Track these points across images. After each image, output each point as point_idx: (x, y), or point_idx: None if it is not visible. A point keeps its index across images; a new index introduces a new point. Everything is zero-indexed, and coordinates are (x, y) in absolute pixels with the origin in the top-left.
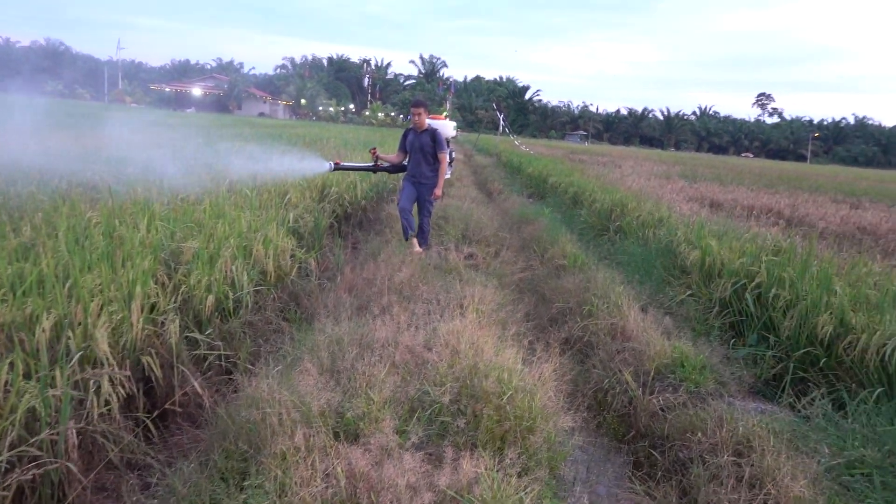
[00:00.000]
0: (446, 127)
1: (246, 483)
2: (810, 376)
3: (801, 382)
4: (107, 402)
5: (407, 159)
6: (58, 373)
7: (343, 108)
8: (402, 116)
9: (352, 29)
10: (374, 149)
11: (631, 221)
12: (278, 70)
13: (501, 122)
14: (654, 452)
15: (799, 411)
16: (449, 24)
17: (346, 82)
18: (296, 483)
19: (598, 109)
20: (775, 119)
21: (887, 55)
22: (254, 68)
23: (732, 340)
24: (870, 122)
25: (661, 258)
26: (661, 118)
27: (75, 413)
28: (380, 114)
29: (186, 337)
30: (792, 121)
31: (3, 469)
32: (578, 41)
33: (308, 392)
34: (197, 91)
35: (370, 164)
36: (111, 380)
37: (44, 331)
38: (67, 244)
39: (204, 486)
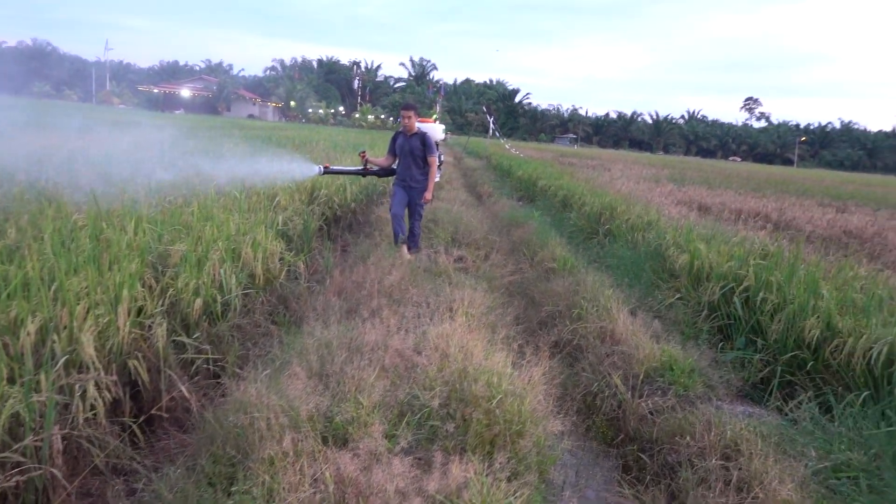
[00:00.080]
0: (435, 130)
1: (233, 488)
2: (797, 380)
3: (788, 386)
4: (92, 407)
5: (396, 163)
6: (42, 377)
7: (333, 111)
8: (391, 119)
9: (342, 31)
10: (364, 152)
11: (620, 225)
12: (268, 72)
13: (491, 124)
14: (643, 456)
15: (786, 415)
16: (439, 26)
17: (336, 84)
18: (284, 488)
19: (587, 113)
20: (763, 123)
21: (872, 60)
22: (243, 70)
23: (721, 344)
24: (855, 126)
25: (650, 262)
26: (650, 122)
27: (60, 418)
28: (370, 116)
29: (174, 341)
30: (779, 125)
31: None
32: (568, 45)
33: (297, 396)
34: (185, 92)
35: (359, 168)
36: (97, 384)
37: (28, 334)
38: (53, 247)
39: (191, 492)
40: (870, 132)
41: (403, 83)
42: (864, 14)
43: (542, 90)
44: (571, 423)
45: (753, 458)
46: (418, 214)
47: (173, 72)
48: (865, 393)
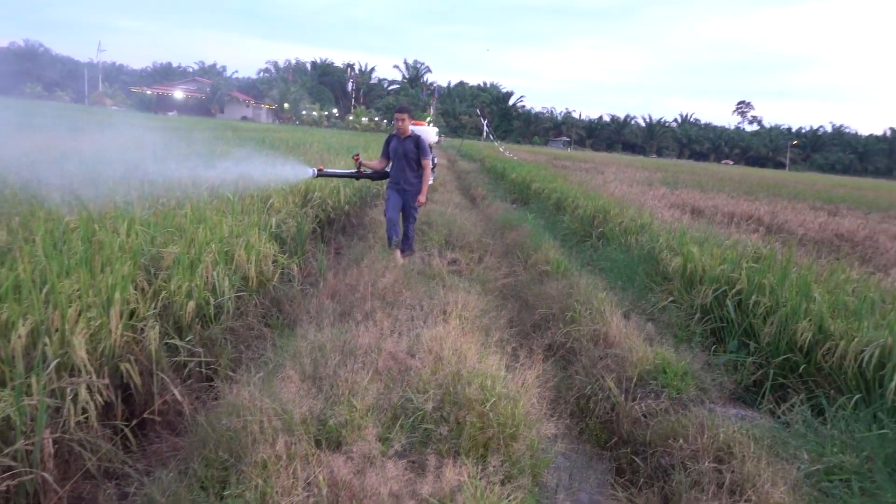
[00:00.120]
0: (428, 133)
1: (226, 492)
2: (790, 382)
3: (780, 388)
4: (84, 411)
5: (390, 166)
6: (34, 380)
7: (326, 113)
8: (385, 121)
9: (336, 33)
10: (357, 155)
11: (613, 228)
12: (261, 74)
13: (485, 127)
14: (636, 459)
15: (779, 417)
16: (433, 29)
17: (330, 87)
18: (277, 492)
19: (580, 116)
20: (755, 127)
21: (864, 65)
22: (237, 72)
23: (713, 347)
24: (847, 130)
25: (644, 264)
26: (644, 125)
27: (52, 422)
28: (363, 118)
29: (166, 343)
30: (771, 129)
31: None
32: (562, 48)
33: (290, 399)
34: (179, 94)
35: (353, 171)
36: (89, 387)
37: (20, 337)
38: (45, 249)
39: (183, 496)
40: (861, 136)
41: (397, 86)
42: (855, 19)
43: (536, 93)
44: (565, 426)
45: (746, 461)
46: (412, 217)
47: (166, 73)
48: (857, 396)
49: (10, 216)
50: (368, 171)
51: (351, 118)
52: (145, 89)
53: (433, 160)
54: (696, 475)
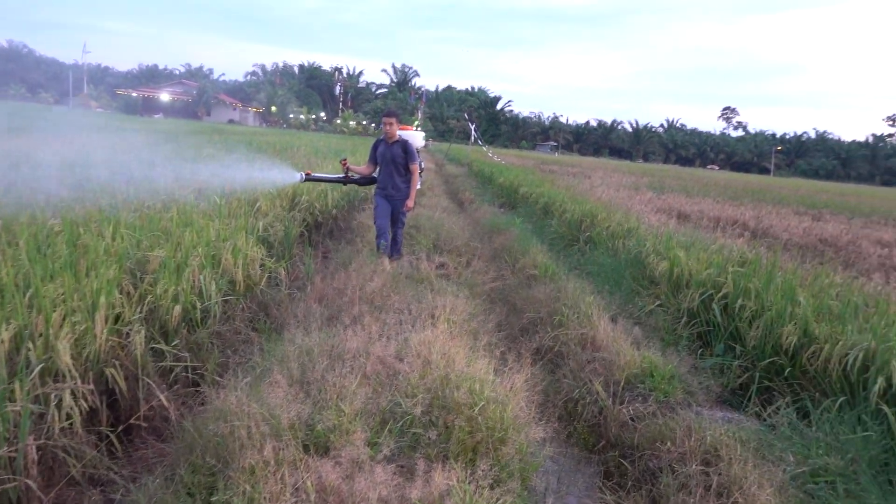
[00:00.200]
0: (415, 137)
1: (213, 498)
2: (775, 385)
3: (766, 391)
4: (69, 417)
5: (377, 171)
6: (17, 386)
7: (314, 116)
8: (373, 125)
9: (324, 37)
10: (345, 160)
11: (601, 232)
12: (249, 77)
13: (473, 132)
14: (624, 462)
15: (765, 420)
16: (421, 33)
17: (318, 90)
18: (265, 498)
19: (568, 120)
20: (740, 132)
21: (847, 72)
22: (224, 74)
23: (700, 350)
24: (830, 136)
25: (631, 269)
26: (630, 130)
27: (35, 428)
28: (351, 122)
29: (152, 348)
30: (756, 134)
31: None
32: (549, 53)
33: (277, 404)
34: (165, 97)
35: (341, 176)
36: (73, 393)
37: (2, 342)
38: (28, 252)
39: (169, 502)
40: (844, 142)
41: (385, 89)
42: (838, 27)
43: (524, 98)
44: (553, 429)
45: (733, 464)
46: (401, 222)
47: (152, 75)
48: (842, 398)
49: None
50: (356, 176)
51: (339, 122)
52: (131, 91)
53: (420, 164)
54: (683, 478)
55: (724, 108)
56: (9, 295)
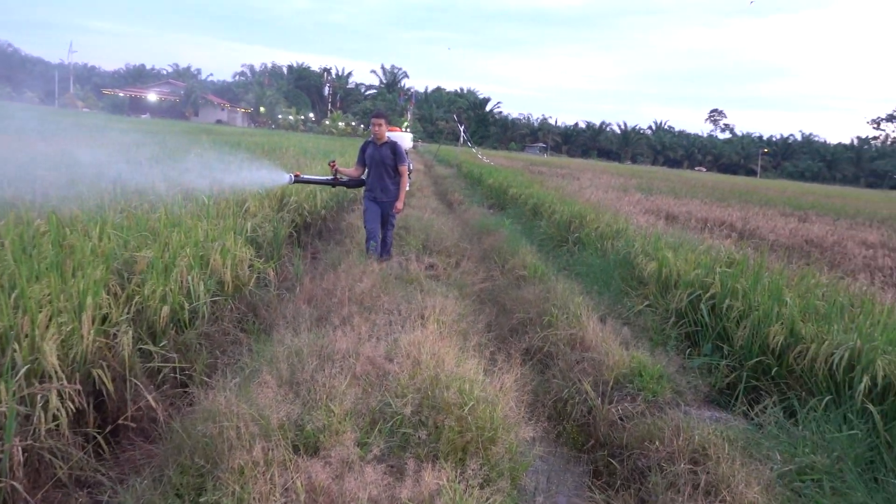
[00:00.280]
0: (404, 139)
1: (202, 499)
2: (763, 385)
3: (753, 391)
4: (55, 418)
5: (366, 173)
6: (2, 387)
7: (303, 117)
8: (362, 126)
9: (313, 37)
10: (334, 161)
11: (590, 233)
12: (237, 77)
13: (462, 133)
14: (612, 461)
15: (752, 419)
16: (411, 34)
17: (307, 91)
18: (254, 498)
19: (557, 122)
20: (727, 135)
21: (833, 75)
22: (212, 75)
23: (688, 350)
24: (816, 138)
25: (620, 269)
26: (619, 132)
27: (21, 429)
28: (340, 123)
29: (140, 349)
30: (743, 137)
31: None
32: (538, 55)
33: (267, 405)
34: (152, 97)
35: (330, 178)
36: (60, 394)
37: None
38: (14, 253)
39: (157, 503)
40: (829, 144)
41: (374, 90)
42: (824, 31)
43: (513, 99)
44: (543, 429)
45: (721, 462)
46: (390, 224)
47: (139, 75)
48: (828, 397)
49: None
50: (345, 178)
51: (327, 123)
52: (118, 91)
53: (409, 166)
54: (671, 477)
55: (712, 111)
56: None
